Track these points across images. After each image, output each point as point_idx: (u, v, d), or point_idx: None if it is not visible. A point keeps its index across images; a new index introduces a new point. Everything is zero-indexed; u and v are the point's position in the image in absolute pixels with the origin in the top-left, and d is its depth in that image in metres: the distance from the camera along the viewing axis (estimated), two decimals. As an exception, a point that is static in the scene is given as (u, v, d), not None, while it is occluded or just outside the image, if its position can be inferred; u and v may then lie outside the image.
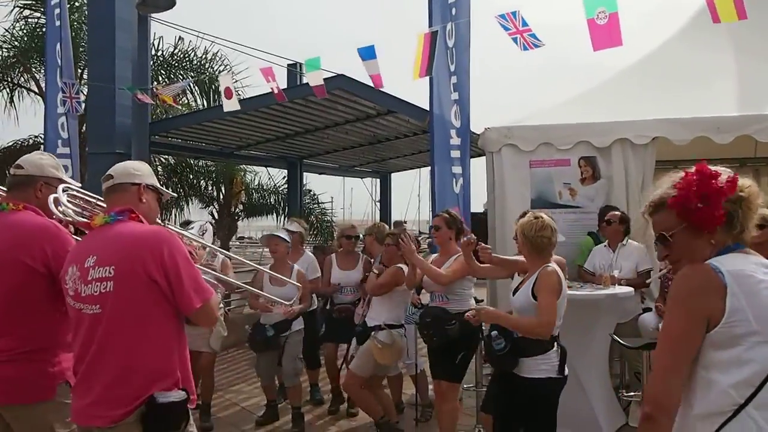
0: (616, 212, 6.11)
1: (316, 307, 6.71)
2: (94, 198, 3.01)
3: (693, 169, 2.03)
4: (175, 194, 15.54)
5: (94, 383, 2.52)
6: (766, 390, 1.83)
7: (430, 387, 5.72)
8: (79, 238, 2.94)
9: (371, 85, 6.39)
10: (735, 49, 7.12)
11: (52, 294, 2.87)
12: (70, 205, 2.83)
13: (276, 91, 7.22)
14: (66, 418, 2.83)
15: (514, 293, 4.10)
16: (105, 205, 2.84)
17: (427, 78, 6.19)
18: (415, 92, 7.19)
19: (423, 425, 5.93)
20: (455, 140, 6.50)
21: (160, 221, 3.03)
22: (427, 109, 6.47)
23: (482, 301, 6.06)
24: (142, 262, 2.52)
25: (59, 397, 2.88)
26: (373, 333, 5.41)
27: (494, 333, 3.94)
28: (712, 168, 2.02)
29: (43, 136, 9.39)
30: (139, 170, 2.83)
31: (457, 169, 6.48)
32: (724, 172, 2.02)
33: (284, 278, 5.25)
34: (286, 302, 4.67)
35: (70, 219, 2.82)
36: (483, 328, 4.73)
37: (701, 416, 1.88)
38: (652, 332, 5.57)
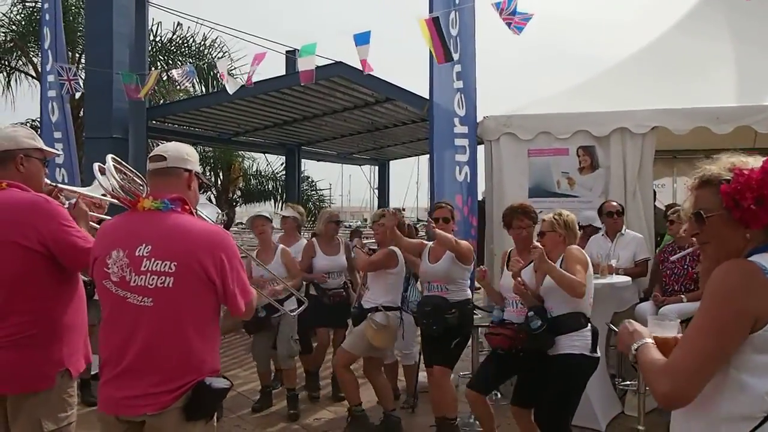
0: (614, 203, 6.12)
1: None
2: (132, 171, 2.89)
3: (761, 162, 1.86)
4: (212, 183, 15.54)
5: (147, 373, 2.48)
6: None
7: (423, 377, 5.76)
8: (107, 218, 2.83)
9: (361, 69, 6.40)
10: (734, 38, 7.10)
11: (54, 273, 2.76)
12: (117, 176, 2.71)
13: (250, 74, 7.43)
14: (56, 412, 2.75)
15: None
16: (140, 182, 2.78)
17: (428, 66, 6.18)
18: (415, 80, 7.18)
19: (408, 413, 5.91)
20: (459, 128, 6.48)
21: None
22: (427, 97, 6.45)
23: (479, 289, 6.07)
24: (203, 262, 2.50)
25: (58, 387, 2.78)
26: (369, 314, 5.37)
27: (531, 313, 4.11)
28: None
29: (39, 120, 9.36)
30: (191, 156, 2.74)
31: (461, 157, 6.47)
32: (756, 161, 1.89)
33: (261, 263, 5.51)
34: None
35: (112, 192, 2.71)
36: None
37: (728, 419, 1.78)
38: (648, 322, 5.58)
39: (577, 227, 4.43)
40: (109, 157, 2.78)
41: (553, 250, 4.22)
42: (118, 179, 2.69)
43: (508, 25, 5.76)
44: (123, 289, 2.51)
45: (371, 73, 6.48)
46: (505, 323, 4.52)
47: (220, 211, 5.19)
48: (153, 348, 2.48)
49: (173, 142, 2.84)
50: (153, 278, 2.48)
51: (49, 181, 3.06)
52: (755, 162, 1.88)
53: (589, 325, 4.12)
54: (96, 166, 2.80)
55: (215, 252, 2.54)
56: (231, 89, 7.54)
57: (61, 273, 2.80)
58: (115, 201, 2.80)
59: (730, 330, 1.76)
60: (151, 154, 2.71)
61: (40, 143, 2.97)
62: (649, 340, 1.94)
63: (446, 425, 5.02)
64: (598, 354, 4.12)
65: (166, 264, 2.48)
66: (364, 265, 5.61)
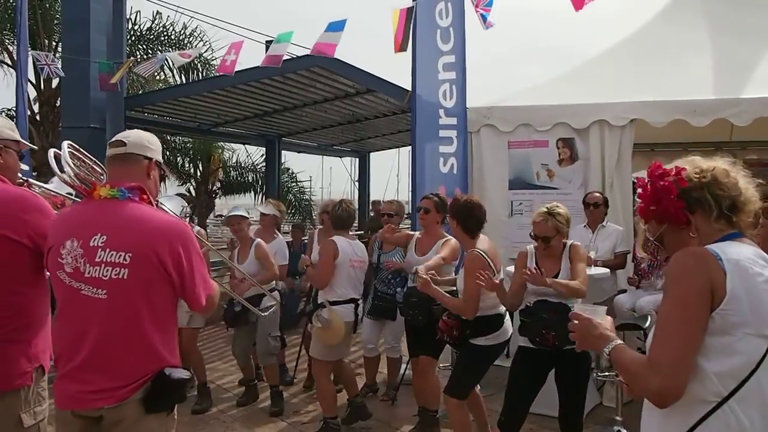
0: (597, 194, 6.15)
1: (281, 291, 6.54)
2: (91, 159, 2.81)
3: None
4: (174, 175, 15.36)
5: (102, 367, 2.42)
6: (750, 384, 1.81)
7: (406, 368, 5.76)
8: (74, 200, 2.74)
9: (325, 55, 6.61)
10: (713, 29, 7.15)
11: (33, 269, 2.71)
12: (74, 166, 2.61)
13: (227, 63, 7.57)
14: (33, 406, 2.72)
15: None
16: (100, 170, 2.69)
17: (410, 57, 6.18)
18: (398, 72, 7.16)
19: (387, 405, 5.94)
20: (445, 120, 6.48)
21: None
22: (408, 88, 6.44)
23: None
24: (159, 254, 2.43)
25: (35, 383, 2.73)
26: (316, 312, 5.10)
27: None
28: (679, 163, 2.03)
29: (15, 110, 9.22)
30: (152, 143, 2.66)
31: (447, 149, 6.47)
32: (687, 162, 2.02)
33: (236, 266, 5.51)
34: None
35: (68, 181, 2.60)
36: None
37: (683, 401, 1.83)
38: (626, 313, 5.63)
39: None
40: (65, 143, 2.68)
41: (557, 249, 4.20)
42: (73, 167, 2.59)
43: (484, 18, 5.84)
44: (77, 280, 2.44)
45: (342, 60, 6.65)
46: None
47: (185, 205, 4.99)
48: (108, 342, 2.42)
49: (136, 129, 2.75)
50: (107, 269, 2.41)
51: (20, 175, 2.99)
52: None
53: None
54: (51, 152, 2.70)
55: (173, 244, 2.47)
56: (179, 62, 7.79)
57: (39, 269, 2.74)
58: (71, 191, 2.73)
59: (695, 306, 1.82)
60: (111, 140, 2.62)
61: (18, 135, 2.91)
62: (620, 341, 1.99)
63: (427, 416, 5.03)
64: None
65: (120, 255, 2.41)
66: (315, 280, 5.41)
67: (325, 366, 5.16)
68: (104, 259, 2.41)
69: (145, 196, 2.56)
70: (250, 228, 6.20)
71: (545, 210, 4.14)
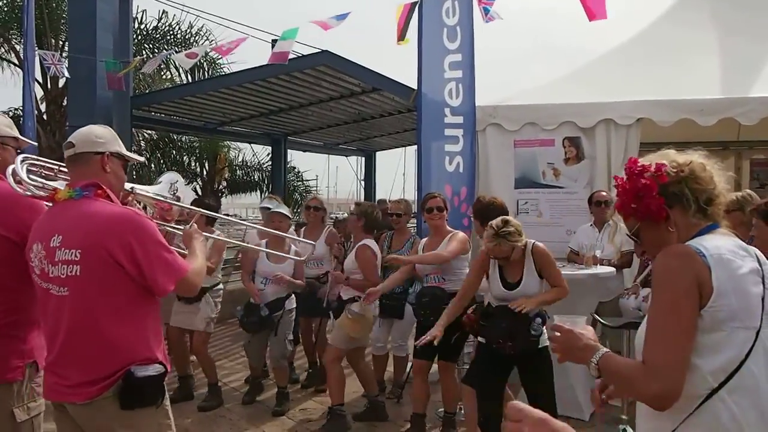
0: (603, 193, 6.12)
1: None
2: (56, 165, 2.84)
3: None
4: (143, 159, 15.30)
5: (70, 363, 2.49)
6: (739, 375, 1.82)
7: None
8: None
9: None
10: (719, 28, 7.13)
11: (26, 265, 2.71)
12: (30, 179, 2.65)
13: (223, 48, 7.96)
14: (26, 402, 2.77)
15: (508, 286, 4.20)
16: (67, 172, 2.71)
17: (416, 55, 6.19)
18: (404, 71, 7.19)
19: (393, 403, 5.95)
20: (451, 119, 6.47)
21: (128, 187, 2.90)
22: (414, 87, 6.44)
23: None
24: (109, 248, 2.45)
25: (27, 378, 2.78)
26: (347, 305, 5.32)
27: (538, 320, 4.08)
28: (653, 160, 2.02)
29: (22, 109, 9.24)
30: (101, 137, 2.65)
31: (453, 147, 6.47)
32: (662, 156, 2.02)
33: (284, 255, 5.46)
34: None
35: (29, 194, 2.65)
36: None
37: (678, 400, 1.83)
38: (632, 312, 5.61)
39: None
40: (18, 158, 2.69)
41: (517, 255, 4.18)
42: (28, 180, 2.63)
43: (486, 11, 5.92)
44: (44, 281, 2.53)
45: (348, 59, 6.85)
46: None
47: (176, 180, 4.68)
48: (73, 338, 2.48)
49: (88, 125, 2.74)
50: (64, 267, 2.47)
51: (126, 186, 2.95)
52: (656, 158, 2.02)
53: None
54: (9, 170, 2.67)
55: (122, 237, 2.47)
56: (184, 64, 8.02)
57: (21, 265, 2.72)
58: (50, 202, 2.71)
59: (686, 307, 1.82)
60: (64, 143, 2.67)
61: (16, 132, 2.93)
62: (606, 349, 1.97)
63: (447, 419, 5.13)
64: None
65: (71, 252, 2.46)
66: (370, 284, 5.33)
67: (336, 352, 5.30)
68: (61, 258, 2.48)
69: (100, 191, 2.57)
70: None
71: (493, 233, 4.07)
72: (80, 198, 2.54)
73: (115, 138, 2.71)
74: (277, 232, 5.45)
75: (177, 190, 3.21)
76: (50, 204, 2.69)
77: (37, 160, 2.83)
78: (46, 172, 2.81)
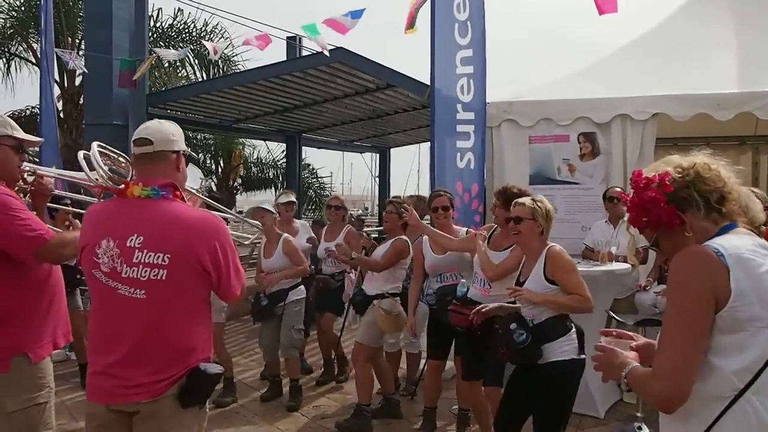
0: (618, 189, 6.08)
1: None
2: (117, 153, 2.84)
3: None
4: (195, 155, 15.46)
5: (138, 364, 2.42)
6: (765, 375, 1.80)
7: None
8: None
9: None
10: (736, 22, 7.06)
11: (3, 260, 2.72)
12: (103, 165, 2.62)
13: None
14: (20, 393, 2.75)
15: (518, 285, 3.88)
16: (124, 162, 2.71)
17: (429, 51, 6.19)
18: (418, 67, 7.17)
19: (407, 400, 5.95)
20: (463, 115, 6.46)
21: (193, 189, 2.90)
22: (428, 83, 6.44)
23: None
24: (199, 254, 2.44)
25: (14, 371, 2.76)
26: (375, 302, 5.29)
27: (513, 325, 3.64)
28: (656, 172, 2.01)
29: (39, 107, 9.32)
30: (176, 135, 2.62)
31: (464, 144, 6.45)
32: (666, 163, 2.02)
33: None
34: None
35: (101, 182, 2.61)
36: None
37: (700, 400, 1.82)
38: (648, 308, 5.58)
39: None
40: (95, 144, 2.71)
41: (529, 244, 3.84)
42: (105, 169, 2.62)
43: None
44: (114, 280, 2.45)
45: (362, 56, 6.81)
46: (469, 302, 4.37)
47: (203, 178, 4.85)
48: (146, 340, 2.43)
49: (155, 120, 2.70)
50: (146, 270, 2.41)
51: (28, 166, 3.00)
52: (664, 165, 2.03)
53: (573, 326, 3.71)
54: (81, 154, 2.72)
55: (210, 241, 2.48)
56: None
57: (12, 259, 2.74)
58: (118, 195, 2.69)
59: (695, 312, 1.81)
60: (135, 137, 2.56)
61: (11, 131, 2.87)
62: (636, 363, 1.99)
63: (462, 415, 5.14)
64: (585, 356, 3.65)
65: (159, 256, 2.41)
66: (378, 269, 5.41)
67: (367, 351, 5.31)
68: (142, 260, 2.42)
69: (177, 192, 2.56)
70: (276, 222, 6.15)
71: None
72: (159, 198, 2.50)
73: (183, 136, 2.69)
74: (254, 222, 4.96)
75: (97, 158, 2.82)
76: (100, 198, 2.66)
77: (105, 148, 2.79)
78: (111, 163, 2.77)
